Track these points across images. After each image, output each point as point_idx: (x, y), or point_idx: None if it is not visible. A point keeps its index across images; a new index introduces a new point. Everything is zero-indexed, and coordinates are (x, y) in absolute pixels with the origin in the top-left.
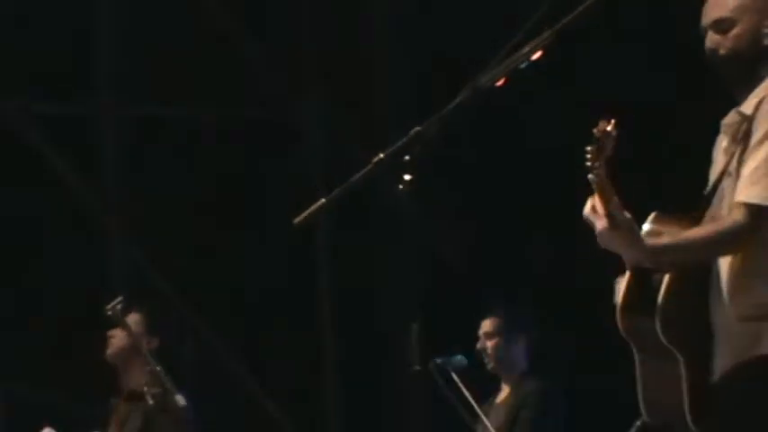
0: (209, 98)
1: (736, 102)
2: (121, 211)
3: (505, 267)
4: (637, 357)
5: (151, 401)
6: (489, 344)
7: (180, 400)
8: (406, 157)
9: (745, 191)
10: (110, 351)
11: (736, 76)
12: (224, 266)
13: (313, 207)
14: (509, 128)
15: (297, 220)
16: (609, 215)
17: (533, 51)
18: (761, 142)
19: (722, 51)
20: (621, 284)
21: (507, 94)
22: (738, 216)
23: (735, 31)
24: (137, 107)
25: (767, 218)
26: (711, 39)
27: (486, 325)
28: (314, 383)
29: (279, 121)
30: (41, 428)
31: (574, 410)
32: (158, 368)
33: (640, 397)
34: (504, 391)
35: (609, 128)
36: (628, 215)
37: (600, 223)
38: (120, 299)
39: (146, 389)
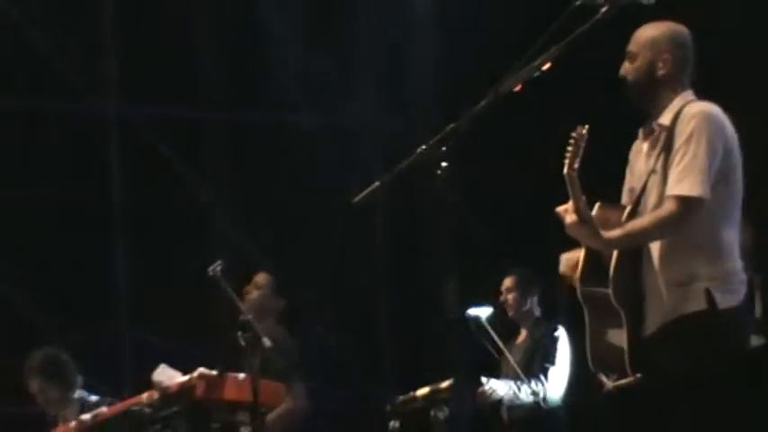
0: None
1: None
2: (224, 196)
3: (522, 236)
4: (587, 319)
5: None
6: (510, 297)
7: (266, 341)
8: (443, 148)
9: (676, 186)
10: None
11: (639, 97)
12: (307, 235)
13: (370, 188)
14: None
15: (356, 198)
16: (577, 212)
17: (543, 63)
18: (682, 147)
19: (629, 78)
20: (566, 257)
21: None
22: (672, 206)
23: (636, 63)
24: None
25: (693, 205)
26: (623, 66)
27: (507, 282)
28: (372, 327)
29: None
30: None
31: (576, 348)
32: (250, 317)
33: (588, 351)
34: (522, 334)
35: (584, 131)
36: (591, 213)
37: (569, 218)
38: (219, 263)
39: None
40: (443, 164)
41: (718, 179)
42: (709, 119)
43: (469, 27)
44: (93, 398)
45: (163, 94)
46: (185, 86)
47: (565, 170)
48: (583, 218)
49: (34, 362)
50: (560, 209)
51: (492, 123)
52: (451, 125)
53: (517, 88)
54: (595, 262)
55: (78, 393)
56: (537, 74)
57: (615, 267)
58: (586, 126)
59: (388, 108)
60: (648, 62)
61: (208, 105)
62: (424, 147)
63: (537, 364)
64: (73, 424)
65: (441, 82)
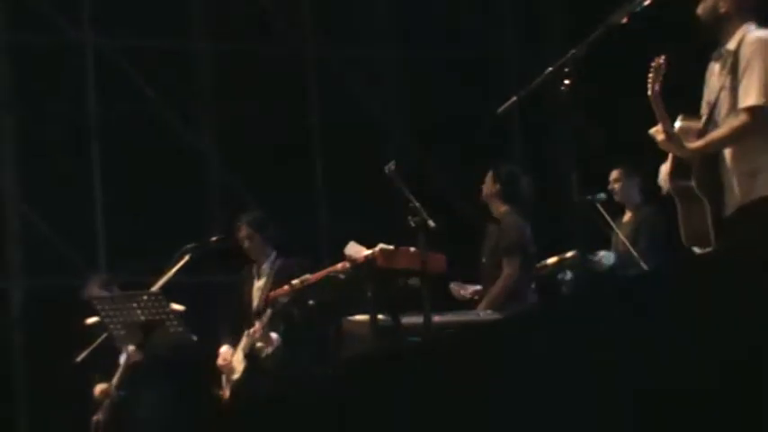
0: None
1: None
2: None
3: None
4: (679, 206)
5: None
6: (616, 186)
7: (431, 223)
8: (566, 69)
9: (745, 100)
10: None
11: (709, 30)
12: (458, 143)
13: (508, 102)
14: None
15: (499, 110)
16: (665, 131)
17: None
18: (747, 68)
19: (700, 15)
20: (663, 167)
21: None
22: (744, 116)
23: (705, 3)
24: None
25: (760, 112)
26: (699, 6)
27: (614, 174)
28: None
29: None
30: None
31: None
32: (418, 204)
33: (682, 231)
34: (627, 214)
35: (661, 61)
36: (675, 131)
37: (659, 137)
38: (392, 162)
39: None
40: (566, 81)
41: None
42: (765, 42)
43: None
44: (280, 259)
45: (344, 35)
46: (358, 27)
47: (649, 92)
48: (670, 135)
49: (249, 215)
50: (652, 131)
51: (606, 48)
52: (572, 51)
53: (624, 20)
54: (681, 161)
55: (274, 252)
56: (639, 8)
57: (696, 165)
58: (663, 56)
59: (523, 39)
60: (713, 3)
61: (378, 43)
62: (550, 68)
63: (640, 242)
64: (286, 287)
65: (567, 15)
